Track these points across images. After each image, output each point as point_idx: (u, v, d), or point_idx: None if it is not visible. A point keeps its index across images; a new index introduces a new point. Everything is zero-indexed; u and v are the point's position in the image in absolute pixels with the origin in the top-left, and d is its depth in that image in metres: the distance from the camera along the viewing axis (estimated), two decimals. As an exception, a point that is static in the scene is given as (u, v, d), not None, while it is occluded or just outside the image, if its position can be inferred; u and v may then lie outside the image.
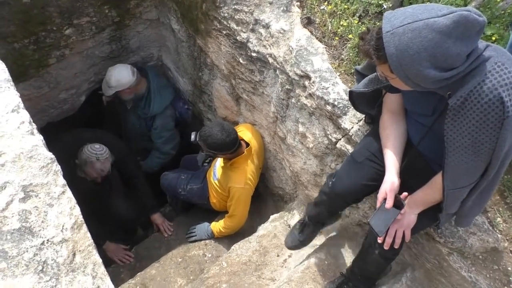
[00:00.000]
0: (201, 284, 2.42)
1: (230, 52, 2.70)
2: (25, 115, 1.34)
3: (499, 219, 1.77)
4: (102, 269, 1.20)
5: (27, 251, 1.12)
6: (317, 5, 2.24)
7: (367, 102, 1.73)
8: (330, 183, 1.80)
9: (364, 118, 1.95)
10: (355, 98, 1.74)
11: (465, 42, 1.13)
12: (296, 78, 2.18)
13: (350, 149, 2.04)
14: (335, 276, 2.15)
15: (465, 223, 1.60)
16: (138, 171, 3.22)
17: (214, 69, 3.09)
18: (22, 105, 1.37)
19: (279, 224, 2.75)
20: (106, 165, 2.64)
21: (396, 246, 1.59)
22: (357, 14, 2.17)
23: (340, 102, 1.99)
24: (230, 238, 2.94)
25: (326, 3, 2.24)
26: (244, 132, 2.84)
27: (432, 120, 1.45)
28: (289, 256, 2.50)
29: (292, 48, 2.16)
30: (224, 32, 2.63)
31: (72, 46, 3.00)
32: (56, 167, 1.29)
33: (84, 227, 1.24)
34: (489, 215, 1.78)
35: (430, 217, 1.59)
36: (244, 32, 2.46)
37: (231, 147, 2.60)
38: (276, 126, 2.69)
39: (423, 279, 2.02)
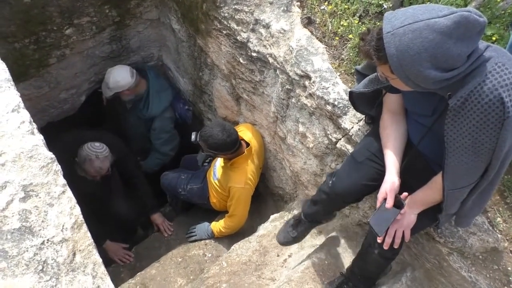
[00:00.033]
0: (201, 284, 2.42)
1: (230, 52, 2.70)
2: (25, 115, 1.35)
3: (499, 219, 1.77)
4: (102, 269, 1.20)
5: (27, 251, 1.12)
6: (317, 5, 2.24)
7: (367, 103, 1.73)
8: (331, 182, 1.80)
9: (364, 118, 1.95)
10: (355, 99, 1.74)
11: (466, 43, 1.13)
12: (296, 78, 2.18)
13: (350, 149, 2.04)
14: (335, 276, 2.15)
15: (465, 223, 1.60)
16: (138, 171, 3.22)
17: (214, 69, 3.09)
18: (22, 104, 1.37)
19: (279, 224, 2.75)
20: (105, 163, 2.65)
21: (395, 246, 1.59)
22: (358, 14, 2.17)
23: (340, 102, 1.99)
24: (230, 238, 2.94)
25: (326, 3, 2.24)
26: (245, 132, 2.84)
27: (432, 120, 1.45)
28: (289, 256, 2.50)
29: (293, 48, 2.17)
30: (225, 32, 2.63)
31: (73, 46, 3.00)
32: (56, 167, 1.29)
33: (84, 227, 1.24)
34: (489, 215, 1.78)
35: (429, 217, 1.59)
36: (245, 32, 2.46)
37: (232, 147, 2.60)
38: (276, 126, 2.69)
39: (423, 279, 2.02)
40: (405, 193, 1.52)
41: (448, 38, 1.11)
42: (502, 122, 1.16)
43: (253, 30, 2.41)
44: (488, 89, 1.15)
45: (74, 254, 1.18)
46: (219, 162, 2.92)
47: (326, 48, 2.15)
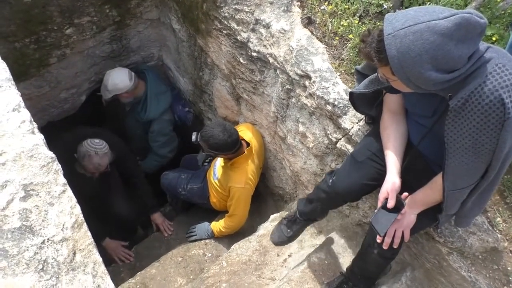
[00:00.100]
0: (201, 283, 2.42)
1: (230, 52, 2.70)
2: (25, 114, 1.35)
3: (499, 219, 1.77)
4: (102, 268, 1.21)
5: (27, 250, 1.12)
6: (317, 5, 2.25)
7: (368, 103, 1.73)
8: (330, 181, 1.80)
9: (364, 118, 1.95)
10: (355, 99, 1.74)
11: (467, 44, 1.14)
12: (297, 78, 2.18)
13: (350, 149, 2.04)
14: (335, 275, 2.16)
15: (464, 224, 1.61)
16: (138, 171, 3.22)
17: (214, 69, 3.09)
18: (23, 104, 1.37)
19: (279, 224, 2.75)
20: (104, 160, 2.65)
21: (395, 246, 1.59)
22: (358, 14, 2.17)
23: (340, 102, 1.99)
24: (230, 238, 2.94)
25: (326, 3, 2.24)
26: (245, 132, 2.84)
27: (433, 121, 1.45)
28: (289, 256, 2.50)
29: (293, 48, 2.17)
30: (225, 32, 2.63)
31: (73, 46, 3.00)
32: (57, 166, 1.29)
33: (85, 226, 1.24)
34: (489, 215, 1.78)
35: (429, 217, 1.59)
36: (245, 32, 2.47)
37: (233, 148, 2.60)
38: (276, 126, 2.69)
39: (423, 279, 2.02)
40: (406, 193, 1.52)
41: (449, 40, 1.11)
42: (503, 123, 1.16)
43: (253, 30, 2.41)
44: (489, 90, 1.15)
45: (74, 253, 1.18)
46: (219, 162, 2.92)
47: (326, 48, 2.15)
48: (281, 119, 2.56)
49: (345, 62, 2.09)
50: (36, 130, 1.34)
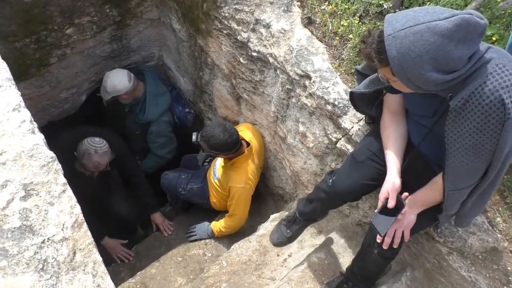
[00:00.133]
0: (201, 283, 2.42)
1: (230, 52, 2.70)
2: (26, 114, 1.35)
3: (498, 219, 1.77)
4: (102, 268, 1.21)
5: (27, 250, 1.12)
6: (317, 5, 2.25)
7: (368, 103, 1.73)
8: (330, 181, 1.80)
9: (364, 118, 1.95)
10: (356, 99, 1.75)
11: (467, 45, 1.14)
12: (297, 77, 2.18)
13: (350, 148, 2.04)
14: (335, 275, 2.16)
15: (464, 224, 1.61)
16: (138, 170, 3.22)
17: (214, 69, 3.10)
18: (23, 104, 1.37)
19: (279, 224, 2.75)
20: (104, 158, 2.65)
21: (395, 246, 1.59)
22: (358, 14, 2.17)
23: (340, 102, 1.99)
24: (230, 238, 2.94)
25: (326, 3, 2.24)
26: (245, 132, 2.84)
27: (433, 121, 1.45)
28: (289, 256, 2.50)
29: (293, 48, 2.17)
30: (225, 31, 2.63)
31: (73, 46, 3.01)
32: (57, 166, 1.30)
33: (85, 226, 1.24)
34: (489, 215, 1.78)
35: (429, 217, 1.59)
36: (245, 32, 2.47)
37: (233, 148, 2.60)
38: (276, 126, 2.69)
39: (423, 279, 2.02)
40: (406, 193, 1.52)
41: (449, 41, 1.12)
42: (503, 123, 1.17)
43: (253, 30, 2.42)
44: (489, 90, 1.16)
45: (75, 253, 1.18)
46: (219, 161, 2.93)
47: (326, 48, 2.15)
48: (281, 119, 2.56)
49: (345, 62, 2.09)
50: (36, 130, 1.34)
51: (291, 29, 2.24)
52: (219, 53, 2.84)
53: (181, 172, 3.25)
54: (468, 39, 1.13)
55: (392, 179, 1.54)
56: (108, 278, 1.20)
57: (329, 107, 2.03)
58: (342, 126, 2.02)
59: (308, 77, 2.11)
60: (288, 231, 2.17)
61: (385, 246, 1.59)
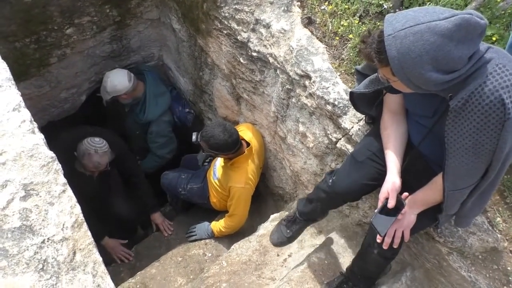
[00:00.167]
0: (201, 283, 2.43)
1: (230, 52, 2.71)
2: (26, 114, 1.35)
3: (498, 219, 1.77)
4: (102, 268, 1.21)
5: (27, 250, 1.12)
6: (317, 5, 2.25)
7: (368, 103, 1.73)
8: (330, 181, 1.80)
9: (364, 118, 1.95)
10: (356, 99, 1.75)
11: (467, 45, 1.14)
12: (297, 77, 2.18)
13: (350, 148, 2.04)
14: (335, 275, 2.16)
15: (464, 224, 1.61)
16: (138, 170, 3.22)
17: (214, 69, 3.10)
18: (23, 104, 1.37)
19: (279, 224, 2.75)
20: (104, 158, 2.65)
21: (395, 246, 1.59)
22: (358, 14, 2.17)
23: (340, 102, 2.00)
24: (230, 238, 2.94)
25: (326, 3, 2.24)
26: (245, 132, 2.85)
27: (433, 121, 1.45)
28: (289, 256, 2.50)
29: (293, 48, 2.17)
30: (225, 31, 2.63)
31: (73, 46, 3.01)
32: (57, 166, 1.30)
33: (85, 226, 1.24)
34: (489, 215, 1.78)
35: (429, 217, 1.59)
36: (245, 32, 2.47)
37: (233, 148, 2.61)
38: (276, 126, 2.69)
39: (423, 279, 2.02)
40: (406, 193, 1.52)
41: (449, 41, 1.12)
42: (503, 123, 1.17)
43: (253, 30, 2.42)
44: (489, 90, 1.16)
45: (75, 253, 1.18)
46: (219, 161, 2.93)
47: (326, 48, 2.15)
48: (281, 119, 2.56)
49: (345, 62, 2.09)
50: (36, 130, 1.34)
51: (291, 29, 2.24)
52: (219, 53, 2.84)
53: (181, 172, 3.25)
54: (468, 39, 1.13)
55: (392, 179, 1.54)
56: (108, 278, 1.20)
57: (329, 107, 2.03)
58: (342, 126, 2.02)
59: (308, 77, 2.11)
60: (288, 231, 2.17)
61: (385, 246, 1.59)
